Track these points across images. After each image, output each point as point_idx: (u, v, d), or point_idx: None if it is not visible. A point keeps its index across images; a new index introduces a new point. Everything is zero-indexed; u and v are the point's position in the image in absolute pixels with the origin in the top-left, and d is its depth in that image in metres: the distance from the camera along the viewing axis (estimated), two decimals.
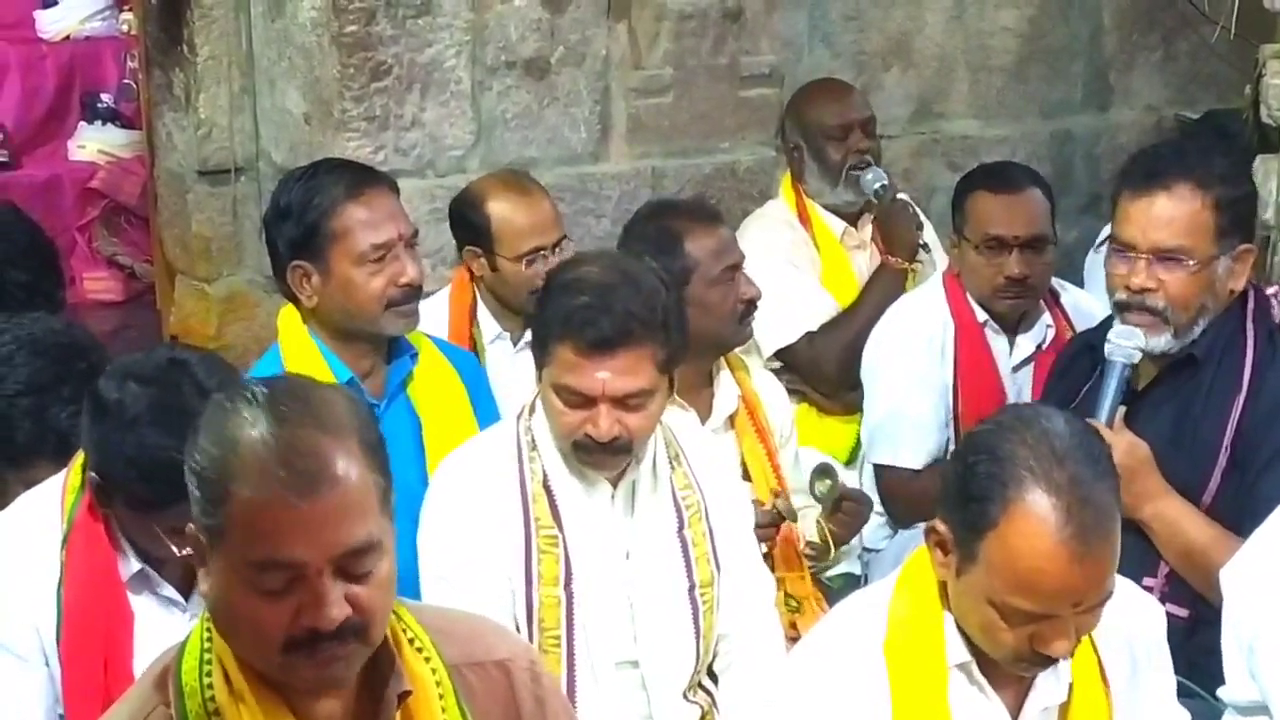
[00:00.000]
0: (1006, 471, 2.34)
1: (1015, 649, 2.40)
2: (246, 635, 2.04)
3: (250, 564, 1.98)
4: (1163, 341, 3.20)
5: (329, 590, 1.98)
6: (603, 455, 2.99)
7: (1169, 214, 3.16)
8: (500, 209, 4.01)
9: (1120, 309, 3.23)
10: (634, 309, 2.93)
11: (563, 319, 2.95)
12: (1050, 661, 2.43)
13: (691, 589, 3.09)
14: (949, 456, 2.57)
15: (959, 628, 2.48)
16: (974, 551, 2.37)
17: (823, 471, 3.62)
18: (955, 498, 2.41)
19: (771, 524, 3.57)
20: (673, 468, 3.12)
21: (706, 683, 3.22)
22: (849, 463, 4.38)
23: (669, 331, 2.98)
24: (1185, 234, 3.15)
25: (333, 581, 1.99)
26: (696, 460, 3.17)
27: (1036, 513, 2.31)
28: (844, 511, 3.66)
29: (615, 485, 3.07)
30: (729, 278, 3.72)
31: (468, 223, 4.05)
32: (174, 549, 2.64)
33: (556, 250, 3.99)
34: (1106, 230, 3.54)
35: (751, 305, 3.75)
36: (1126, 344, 3.19)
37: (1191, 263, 3.15)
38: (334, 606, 1.98)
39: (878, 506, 4.09)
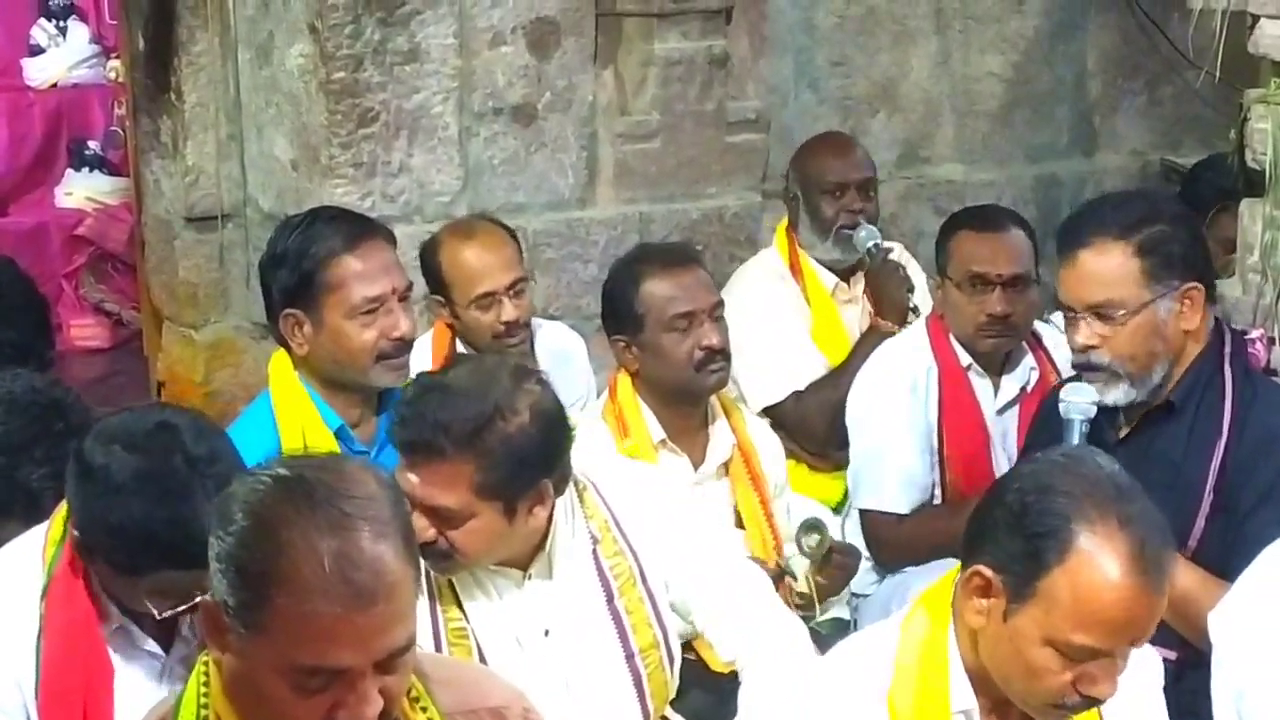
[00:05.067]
0: (1071, 506, 2.34)
1: (1059, 693, 2.39)
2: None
3: (294, 666, 1.96)
4: (1121, 394, 3.21)
5: (370, 690, 1.98)
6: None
7: (1093, 269, 3.19)
8: (449, 257, 4.03)
9: (1080, 370, 3.27)
10: (446, 421, 2.81)
11: (395, 414, 2.92)
12: (1090, 705, 2.42)
13: (630, 657, 3.02)
14: (984, 499, 2.53)
15: (968, 672, 2.47)
16: (1031, 590, 2.36)
17: (812, 526, 3.58)
18: (1008, 537, 2.39)
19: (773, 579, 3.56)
20: (598, 539, 3.04)
21: (670, 715, 3.19)
22: (837, 511, 4.37)
23: (494, 457, 2.82)
24: (1112, 286, 3.17)
25: (372, 678, 1.98)
26: (630, 522, 3.08)
27: (1108, 547, 2.32)
28: (835, 565, 3.62)
29: (526, 568, 2.98)
30: (683, 324, 3.67)
31: (428, 272, 4.09)
32: (154, 611, 2.61)
33: (512, 293, 3.99)
34: None
35: (713, 354, 3.68)
36: (1079, 400, 3.22)
37: (1122, 313, 3.17)
38: (373, 705, 1.98)
39: (865, 552, 4.08)
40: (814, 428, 4.44)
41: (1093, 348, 3.19)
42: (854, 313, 4.63)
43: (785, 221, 4.77)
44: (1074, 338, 3.23)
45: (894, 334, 4.47)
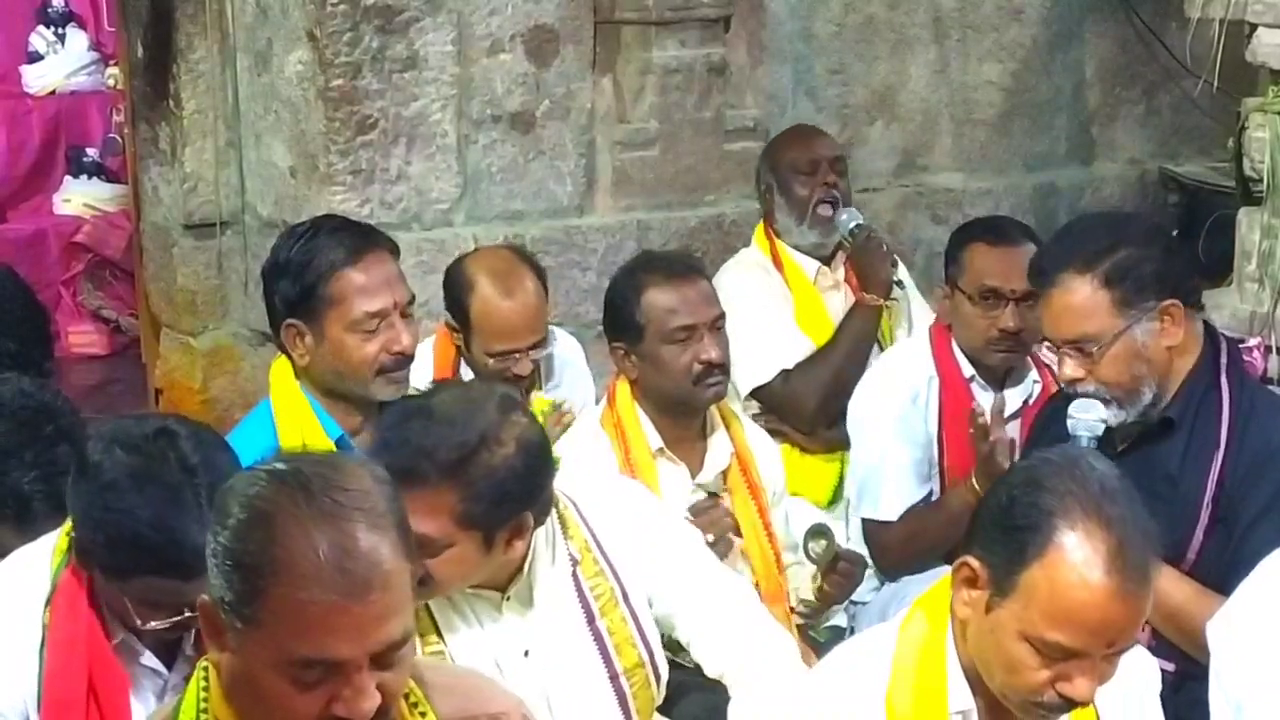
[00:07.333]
0: (1055, 503, 2.36)
1: (1037, 689, 2.39)
2: (271, 717, 2.03)
3: (292, 659, 1.97)
4: (1111, 416, 3.22)
5: (367, 684, 1.98)
6: None
7: (1063, 306, 3.20)
8: (480, 305, 3.89)
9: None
10: (430, 447, 2.78)
11: (378, 438, 2.91)
12: (1068, 707, 2.42)
13: (614, 677, 3.01)
14: (985, 493, 2.58)
15: (965, 672, 2.48)
16: (1012, 584, 2.38)
17: (818, 532, 3.56)
18: (994, 529, 2.42)
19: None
20: (578, 561, 3.02)
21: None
22: (831, 503, 4.37)
23: (477, 488, 2.80)
24: (1083, 320, 3.18)
25: (369, 673, 1.99)
26: (610, 541, 3.06)
27: (1088, 546, 2.33)
28: (839, 572, 3.61)
29: (505, 590, 2.97)
30: (683, 337, 3.66)
31: (453, 298, 3.98)
32: (138, 620, 2.61)
33: (532, 352, 3.91)
34: None
35: (711, 368, 3.67)
36: (1088, 416, 3.22)
37: (1097, 346, 3.18)
38: (370, 699, 1.98)
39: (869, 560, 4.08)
40: (803, 406, 4.41)
41: (1079, 380, 3.21)
42: (837, 298, 4.61)
43: (761, 222, 4.77)
44: (1060, 371, 3.25)
45: (880, 307, 4.47)
